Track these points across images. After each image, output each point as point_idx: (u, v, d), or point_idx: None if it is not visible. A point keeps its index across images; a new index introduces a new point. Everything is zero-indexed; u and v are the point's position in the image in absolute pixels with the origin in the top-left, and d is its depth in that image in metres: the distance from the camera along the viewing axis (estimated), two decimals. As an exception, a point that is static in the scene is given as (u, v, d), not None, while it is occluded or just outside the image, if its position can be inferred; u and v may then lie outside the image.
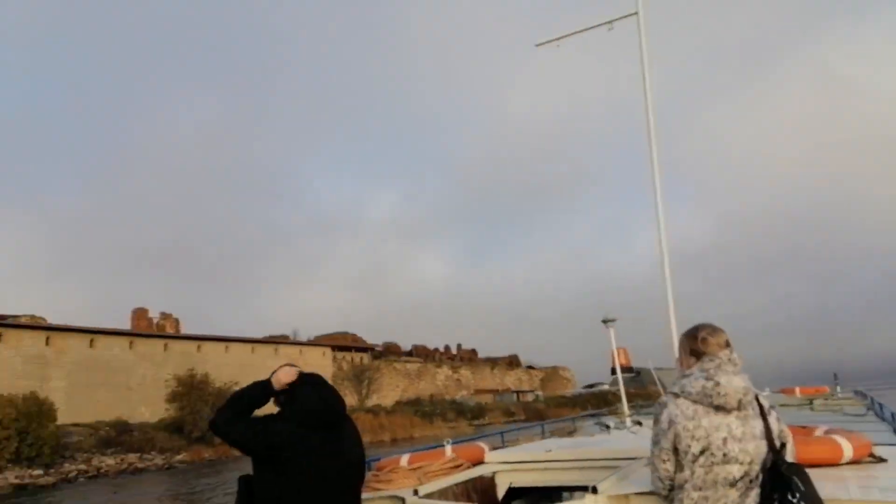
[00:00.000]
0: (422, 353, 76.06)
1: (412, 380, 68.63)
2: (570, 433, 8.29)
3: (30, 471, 24.51)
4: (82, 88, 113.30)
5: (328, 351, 60.03)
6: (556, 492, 4.17)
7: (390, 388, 63.74)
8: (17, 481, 23.54)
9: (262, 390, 2.57)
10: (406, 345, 76.29)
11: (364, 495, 2.71)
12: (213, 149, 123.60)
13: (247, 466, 2.56)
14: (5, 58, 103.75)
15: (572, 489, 3.86)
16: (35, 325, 39.43)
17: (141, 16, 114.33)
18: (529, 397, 74.41)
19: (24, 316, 42.71)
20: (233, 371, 45.86)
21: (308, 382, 2.60)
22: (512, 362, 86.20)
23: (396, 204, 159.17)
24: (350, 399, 53.30)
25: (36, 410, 25.61)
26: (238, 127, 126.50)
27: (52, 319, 43.33)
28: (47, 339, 38.98)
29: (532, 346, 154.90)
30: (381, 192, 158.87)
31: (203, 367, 43.05)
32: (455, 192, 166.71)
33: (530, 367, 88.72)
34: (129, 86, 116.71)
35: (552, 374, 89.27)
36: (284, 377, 2.57)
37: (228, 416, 2.50)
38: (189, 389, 38.35)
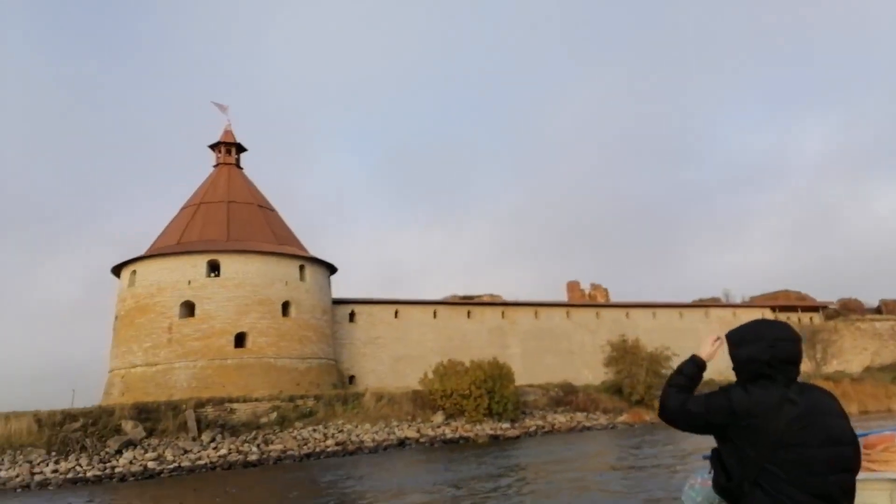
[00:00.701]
0: (894, 309, 62.46)
1: (884, 341, 57.03)
2: None
3: (500, 424, 29.48)
4: (497, 99, 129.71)
5: (767, 312, 54.67)
6: None
7: (855, 352, 54.34)
8: (491, 432, 28.62)
9: (692, 363, 2.53)
10: (871, 300, 63.91)
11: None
12: (616, 120, 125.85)
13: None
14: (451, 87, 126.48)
15: None
16: (492, 302, 47.01)
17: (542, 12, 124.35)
18: None
19: (486, 295, 51.35)
20: (662, 336, 46.04)
21: (735, 331, 2.46)
22: None
23: (832, 134, 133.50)
24: (803, 365, 47.53)
25: (498, 373, 30.57)
26: (638, 94, 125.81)
27: (506, 296, 51.06)
28: (502, 312, 46.06)
29: None
30: (807, 126, 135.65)
31: (633, 332, 44.51)
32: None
33: None
34: (530, 82, 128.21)
35: None
36: (707, 341, 2.57)
37: (675, 403, 2.40)
38: (622, 354, 40.20)
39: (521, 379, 41.09)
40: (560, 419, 32.05)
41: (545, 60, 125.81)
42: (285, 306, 34.86)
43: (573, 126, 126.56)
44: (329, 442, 25.34)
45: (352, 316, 39.92)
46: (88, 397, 34.28)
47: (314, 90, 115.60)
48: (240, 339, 33.30)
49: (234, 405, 26.51)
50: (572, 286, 59.61)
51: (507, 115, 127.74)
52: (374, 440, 26.04)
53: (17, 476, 19.89)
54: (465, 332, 43.51)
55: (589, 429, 31.41)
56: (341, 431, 26.33)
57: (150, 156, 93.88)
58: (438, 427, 28.31)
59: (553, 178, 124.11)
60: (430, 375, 30.58)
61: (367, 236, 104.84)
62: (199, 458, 22.98)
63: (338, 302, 39.49)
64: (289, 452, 24.19)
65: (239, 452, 23.71)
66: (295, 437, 25.27)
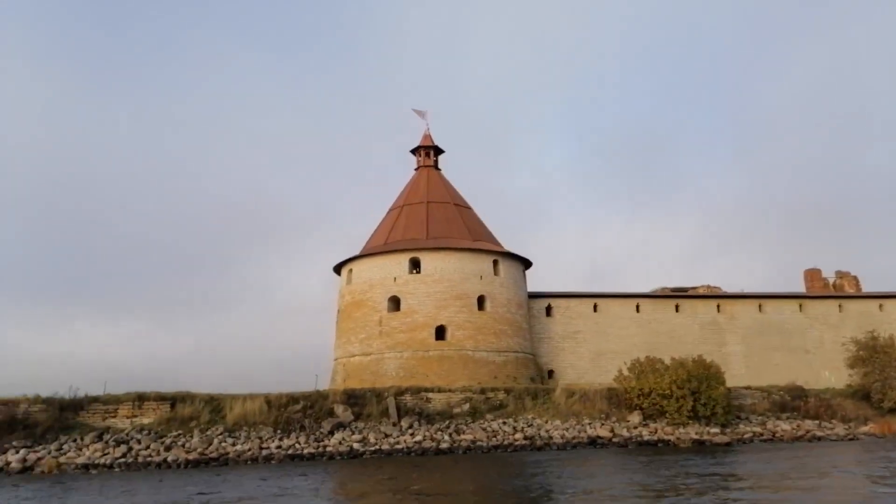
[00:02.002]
0: None
1: None
2: None
3: (707, 428, 26.79)
4: (709, 74, 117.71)
5: None
6: None
7: None
8: (696, 437, 26.11)
9: None
10: None
11: None
12: (858, 79, 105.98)
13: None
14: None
15: None
16: (703, 295, 43.00)
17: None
18: None
19: (702, 287, 47.16)
20: (930, 332, 38.00)
21: None
22: None
23: None
24: None
25: (704, 373, 27.81)
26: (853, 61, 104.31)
27: (726, 288, 46.39)
28: (717, 306, 41.90)
29: None
30: None
31: (887, 328, 37.49)
32: None
33: None
34: (746, 46, 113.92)
35: None
36: None
37: None
38: (871, 354, 34.02)
39: (742, 380, 37.11)
40: (783, 427, 28.11)
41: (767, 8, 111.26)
42: (480, 300, 35.77)
43: (802, 93, 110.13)
44: (518, 436, 25.36)
45: (549, 310, 39.51)
46: (328, 382, 38.75)
47: (512, 85, 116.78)
48: (440, 332, 34.97)
49: (430, 395, 27.88)
50: (812, 275, 51.93)
51: (721, 91, 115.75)
52: (563, 437, 25.43)
53: (249, 450, 23.20)
54: (673, 327, 40.48)
55: (819, 439, 27.06)
56: (530, 426, 26.19)
57: (374, 163, 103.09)
58: (635, 428, 26.68)
59: (781, 156, 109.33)
60: (626, 373, 28.96)
61: (570, 229, 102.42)
62: (397, 443, 24.58)
63: (534, 296, 39.39)
64: (478, 443, 24.72)
65: (432, 440, 24.86)
66: (485, 429, 25.76)
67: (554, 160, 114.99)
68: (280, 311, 76.05)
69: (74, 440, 22.61)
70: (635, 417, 27.31)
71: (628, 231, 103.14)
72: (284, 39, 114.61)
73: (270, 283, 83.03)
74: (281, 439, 24.27)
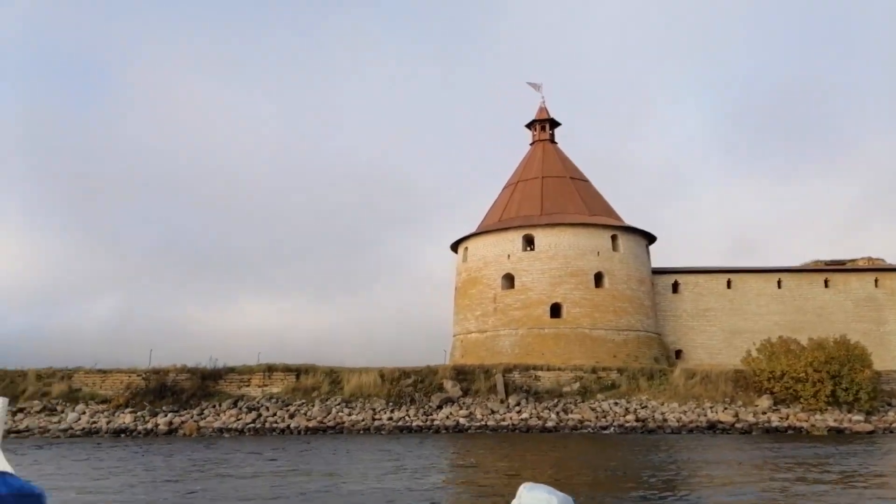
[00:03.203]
0: None
1: None
2: None
3: (848, 415, 24.03)
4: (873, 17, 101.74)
5: None
6: None
7: None
8: (834, 424, 23.55)
9: None
10: None
11: None
12: None
13: None
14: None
15: None
16: (859, 268, 38.31)
17: None
18: None
19: (861, 259, 42.19)
20: None
21: None
22: None
23: None
24: None
25: (846, 354, 24.90)
26: None
27: (892, 261, 41.05)
28: (875, 280, 37.19)
29: None
30: None
31: None
32: None
33: None
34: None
35: None
36: None
37: None
38: None
39: (906, 363, 32.91)
40: (946, 417, 24.49)
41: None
42: (598, 277, 34.64)
43: None
44: (629, 417, 24.44)
45: (675, 287, 37.34)
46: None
47: (642, 51, 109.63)
48: (555, 310, 34.43)
49: (540, 373, 27.65)
50: None
51: (887, 41, 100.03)
52: (679, 420, 24.09)
53: (363, 420, 24.57)
54: (821, 304, 36.59)
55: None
56: (644, 407, 25.10)
57: (498, 142, 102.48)
58: (763, 413, 24.59)
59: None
60: (755, 354, 26.71)
61: (706, 201, 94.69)
62: (503, 420, 24.75)
63: (659, 272, 37.41)
64: (586, 423, 24.19)
65: (539, 418, 24.72)
66: (594, 409, 25.12)
67: (689, 128, 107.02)
68: (414, 288, 78.89)
69: (213, 406, 25.32)
70: (764, 402, 25.16)
71: (776, 201, 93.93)
72: (399, 17, 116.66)
73: (405, 261, 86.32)
74: (392, 411, 25.39)
